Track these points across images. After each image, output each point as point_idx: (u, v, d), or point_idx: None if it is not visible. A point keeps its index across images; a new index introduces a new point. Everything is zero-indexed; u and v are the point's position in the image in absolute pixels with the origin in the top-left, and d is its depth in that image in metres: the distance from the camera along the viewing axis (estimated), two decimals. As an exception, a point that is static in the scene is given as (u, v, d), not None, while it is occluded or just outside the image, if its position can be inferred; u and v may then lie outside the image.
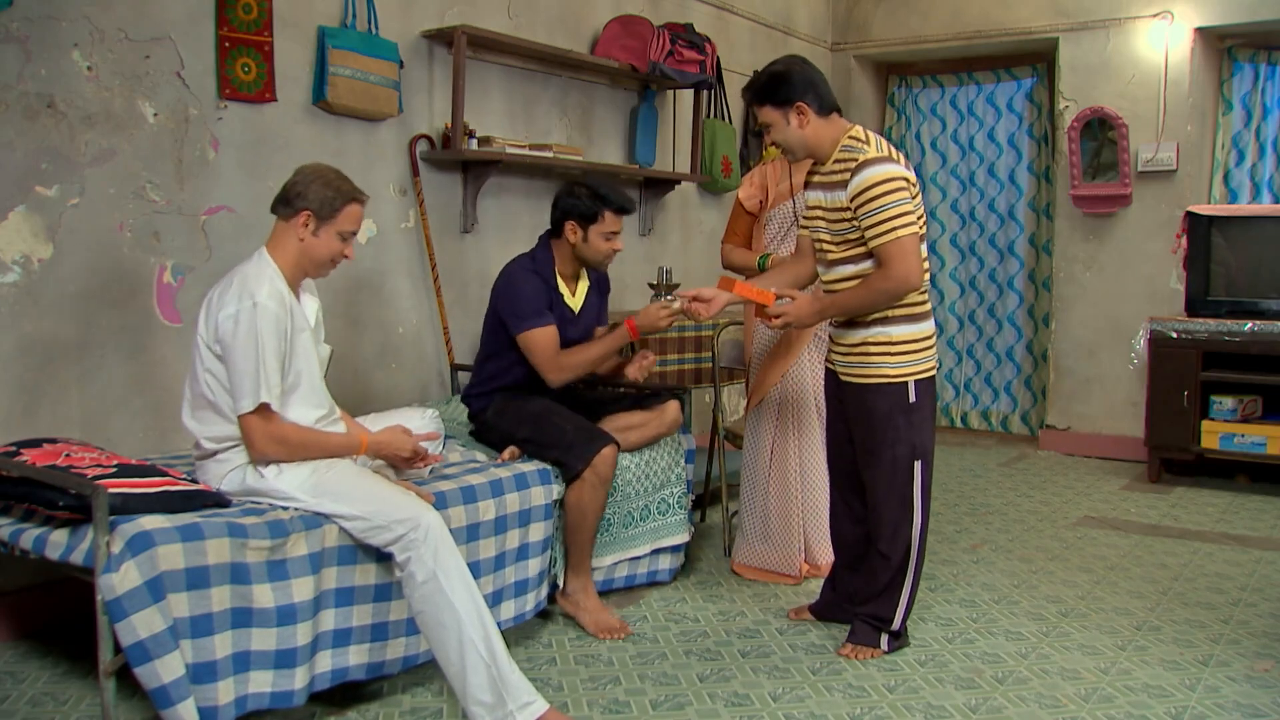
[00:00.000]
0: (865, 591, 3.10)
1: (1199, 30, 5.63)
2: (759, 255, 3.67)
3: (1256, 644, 3.17)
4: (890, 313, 2.94)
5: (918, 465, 2.99)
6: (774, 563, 3.69)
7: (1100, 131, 5.80)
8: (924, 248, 2.95)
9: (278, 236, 2.62)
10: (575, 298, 3.42)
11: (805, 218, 3.12)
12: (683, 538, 3.61)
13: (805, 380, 3.67)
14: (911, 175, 2.92)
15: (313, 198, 2.58)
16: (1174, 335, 5.27)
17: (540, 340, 3.25)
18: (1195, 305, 5.37)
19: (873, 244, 2.87)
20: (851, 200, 2.87)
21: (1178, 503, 4.97)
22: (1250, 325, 5.10)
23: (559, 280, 3.38)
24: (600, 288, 3.54)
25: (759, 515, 3.72)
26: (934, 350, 3.03)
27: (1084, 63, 5.92)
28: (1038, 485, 5.30)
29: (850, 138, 2.95)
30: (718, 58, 5.25)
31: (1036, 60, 6.34)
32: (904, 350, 2.95)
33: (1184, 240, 5.41)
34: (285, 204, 2.60)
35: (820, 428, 3.67)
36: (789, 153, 3.04)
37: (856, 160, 2.87)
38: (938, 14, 6.36)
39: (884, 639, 3.05)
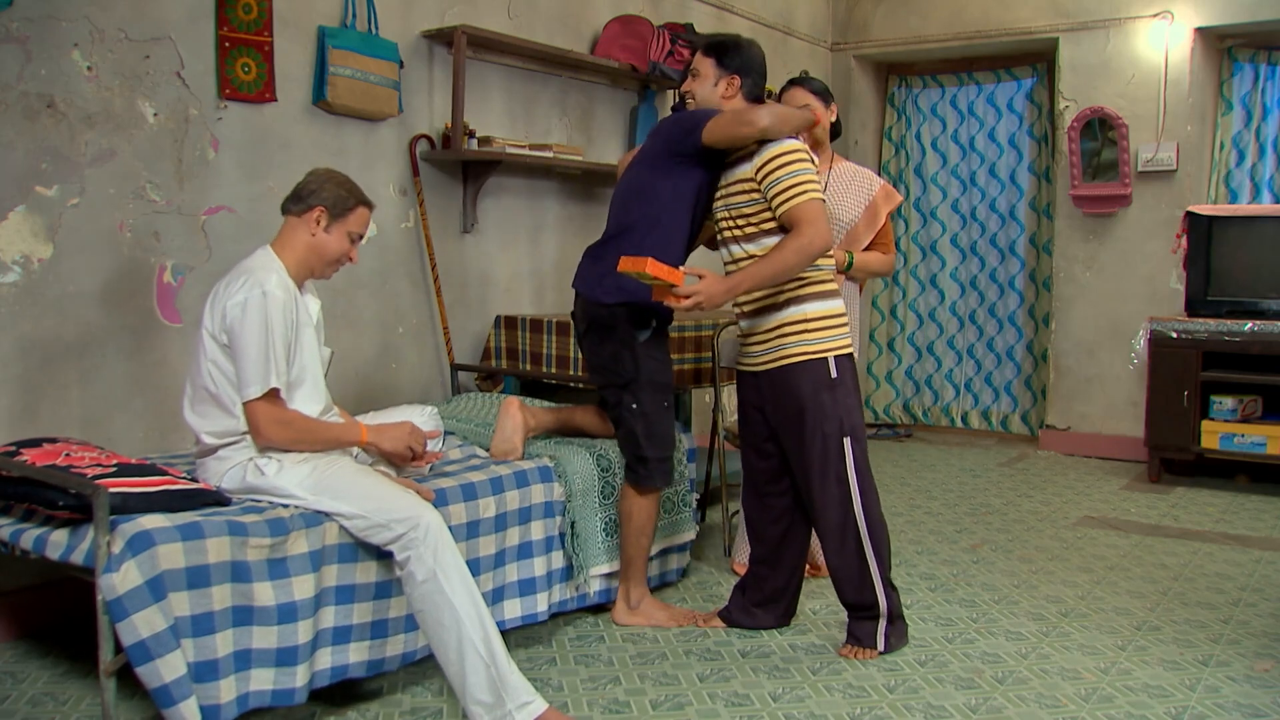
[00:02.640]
0: (841, 590, 3.06)
1: (1199, 30, 5.64)
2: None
3: (1256, 644, 3.17)
4: (801, 291, 2.97)
5: (848, 442, 2.97)
6: (774, 562, 3.69)
7: (1100, 131, 5.80)
8: None
9: (285, 235, 2.64)
10: None
11: (715, 202, 3.10)
12: (690, 535, 3.61)
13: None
14: (815, 161, 2.97)
15: (327, 196, 2.62)
16: (1174, 335, 5.27)
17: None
18: (1195, 305, 5.38)
19: (781, 210, 2.88)
20: (757, 171, 2.91)
21: (1178, 503, 4.97)
22: (1250, 325, 5.10)
23: None
24: None
25: (759, 515, 3.71)
26: (848, 329, 3.05)
27: (1084, 63, 5.93)
28: (1038, 485, 5.30)
29: None
30: (718, 58, 5.24)
31: (1036, 60, 6.34)
32: (820, 327, 2.98)
33: (1184, 240, 5.42)
34: (298, 200, 2.64)
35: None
36: (693, 105, 3.06)
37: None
38: (938, 14, 6.36)
39: (880, 638, 3.02)
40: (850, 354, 3.04)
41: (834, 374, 2.97)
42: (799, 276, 2.96)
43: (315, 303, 2.74)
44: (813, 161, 2.93)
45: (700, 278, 2.85)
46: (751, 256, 2.97)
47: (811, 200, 2.86)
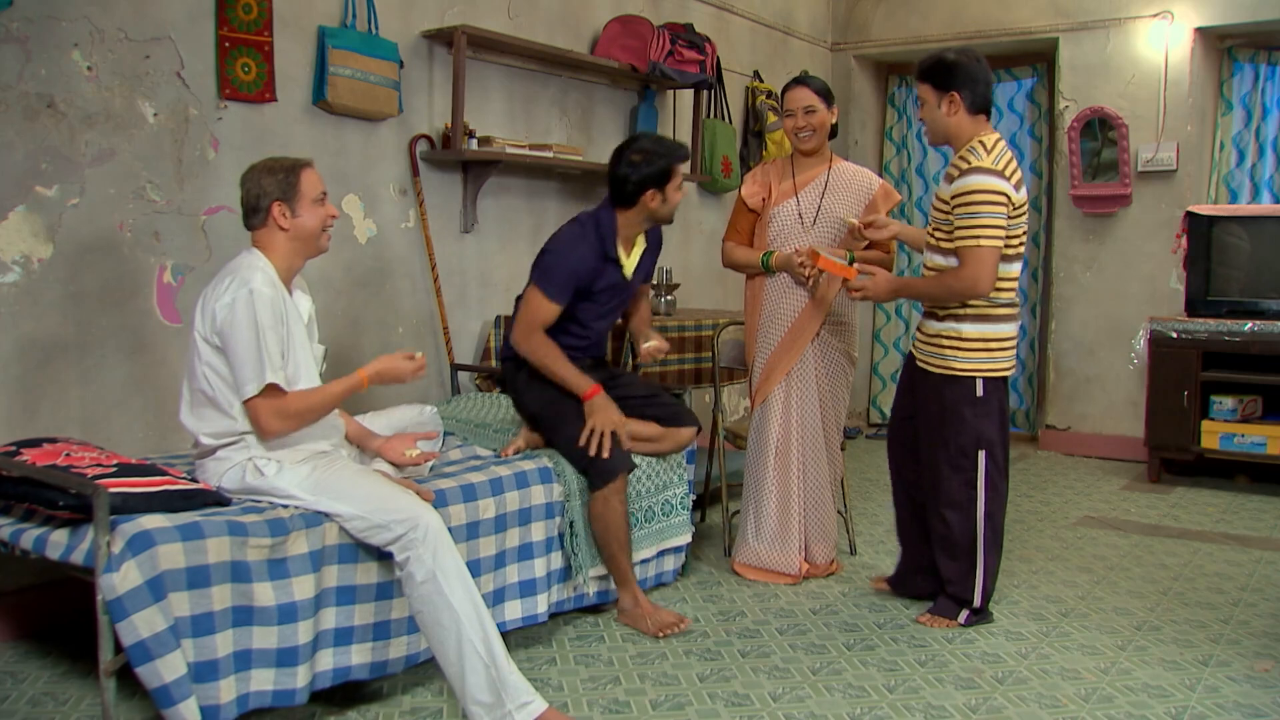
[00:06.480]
0: (945, 571, 3.27)
1: (1199, 30, 5.64)
2: (761, 253, 3.67)
3: (1256, 644, 3.18)
4: (962, 311, 3.13)
5: (982, 454, 3.16)
6: (774, 562, 3.69)
7: (1100, 131, 5.81)
8: (1017, 266, 3.15)
9: (261, 241, 2.63)
10: (630, 261, 3.37)
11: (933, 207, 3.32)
12: (685, 538, 3.61)
13: (809, 379, 3.67)
14: (1016, 196, 3.08)
15: (271, 188, 2.59)
16: (1174, 335, 5.27)
17: (541, 306, 3.21)
18: (1195, 305, 5.38)
19: (958, 244, 3.07)
20: (952, 197, 3.08)
21: (1178, 503, 4.97)
22: (1250, 325, 5.10)
23: (619, 249, 3.32)
24: (654, 246, 3.52)
25: (760, 515, 3.71)
26: (1010, 352, 3.19)
27: (1084, 63, 5.93)
28: (1038, 485, 5.30)
29: (979, 141, 3.12)
30: (718, 58, 5.24)
31: (1036, 60, 6.34)
32: (975, 348, 3.14)
33: (1184, 240, 5.42)
34: (254, 212, 2.62)
35: (820, 426, 3.69)
36: (928, 132, 3.24)
37: (970, 163, 3.06)
38: (938, 14, 6.36)
39: (963, 614, 3.23)
40: (1004, 377, 3.19)
41: (979, 393, 3.15)
42: None
43: (306, 300, 2.74)
44: (1009, 202, 3.04)
45: (872, 275, 3.27)
46: (935, 269, 3.19)
47: (985, 248, 3.02)
